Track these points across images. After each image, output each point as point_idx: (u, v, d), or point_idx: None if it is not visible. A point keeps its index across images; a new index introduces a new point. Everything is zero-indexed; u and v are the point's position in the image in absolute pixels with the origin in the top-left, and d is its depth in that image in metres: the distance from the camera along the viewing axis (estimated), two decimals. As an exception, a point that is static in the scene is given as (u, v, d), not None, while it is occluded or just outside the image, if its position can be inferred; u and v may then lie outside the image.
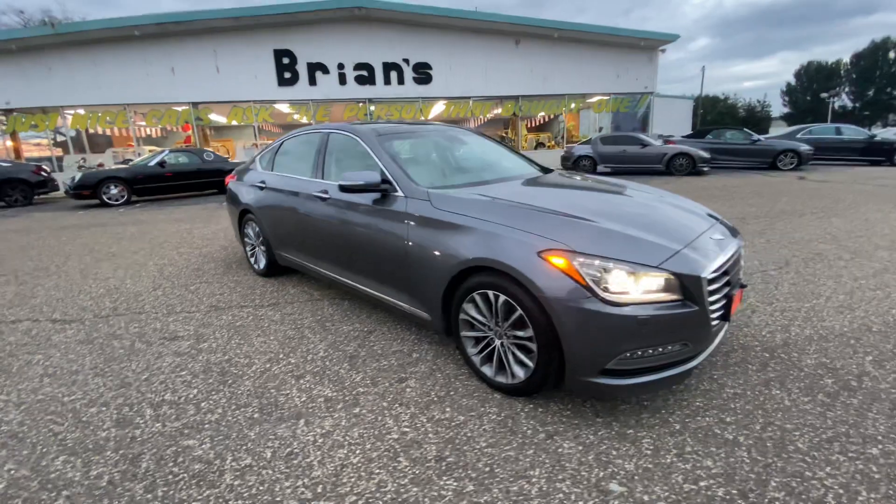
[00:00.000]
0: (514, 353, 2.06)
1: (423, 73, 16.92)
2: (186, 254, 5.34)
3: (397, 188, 2.59)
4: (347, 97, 16.65)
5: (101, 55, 14.80)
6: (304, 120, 16.96)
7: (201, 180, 11.80)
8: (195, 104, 15.98)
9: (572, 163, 13.99)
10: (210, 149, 15.14)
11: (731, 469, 1.63)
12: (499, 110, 18.89)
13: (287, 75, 16.05)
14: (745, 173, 12.84)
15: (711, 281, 1.86)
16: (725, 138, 14.17)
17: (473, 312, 2.17)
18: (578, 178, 3.22)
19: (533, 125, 23.72)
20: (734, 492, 1.52)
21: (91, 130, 16.71)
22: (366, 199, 2.73)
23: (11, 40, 13.90)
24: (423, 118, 17.57)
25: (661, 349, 1.80)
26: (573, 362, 1.84)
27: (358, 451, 1.79)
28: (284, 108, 16.98)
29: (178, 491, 1.63)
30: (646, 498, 1.51)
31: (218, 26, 15.10)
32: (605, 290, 1.74)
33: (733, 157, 13.95)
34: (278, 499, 1.57)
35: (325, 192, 3.10)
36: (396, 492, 1.58)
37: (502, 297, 1.99)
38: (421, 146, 3.24)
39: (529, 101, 18.24)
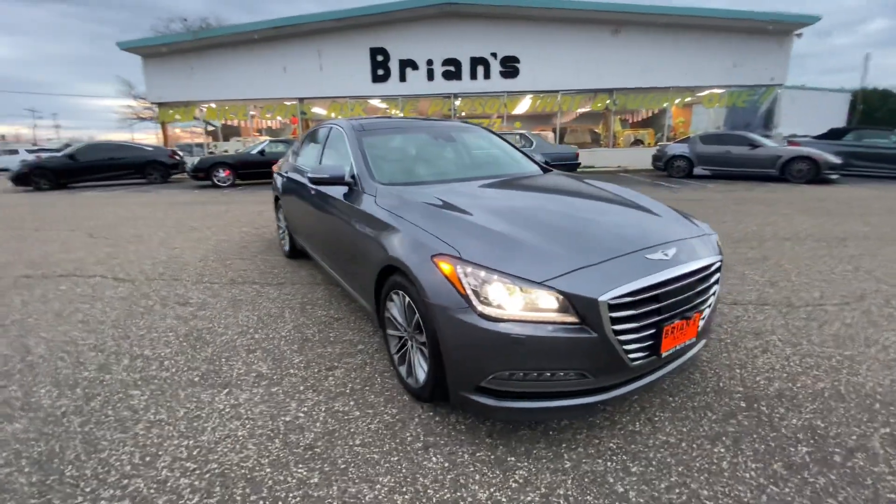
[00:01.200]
0: (418, 357, 2.01)
1: (510, 67, 16.62)
2: (245, 233, 6.05)
3: (358, 183, 2.66)
4: (434, 92, 17.08)
5: (229, 57, 17.20)
6: (397, 114, 17.81)
7: (294, 168, 13.13)
8: (301, 100, 17.77)
9: (664, 163, 12.66)
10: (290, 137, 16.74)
11: (593, 524, 1.41)
12: (589, 106, 17.77)
13: (380, 72, 16.99)
14: (890, 183, 10.38)
15: (618, 307, 1.61)
16: (867, 141, 11.57)
17: (395, 311, 2.15)
18: (566, 180, 2.96)
19: (636, 120, 21.90)
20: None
21: (222, 122, 19.56)
22: (338, 192, 2.84)
23: (163, 45, 16.91)
24: (506, 112, 17.31)
25: (548, 374, 1.62)
26: (452, 375, 1.75)
27: (248, 426, 1.92)
28: (377, 103, 18.02)
29: (100, 429, 1.92)
30: (474, 531, 1.39)
31: (322, 28, 16.54)
32: (484, 302, 1.62)
33: (876, 163, 11.35)
34: (160, 453, 1.77)
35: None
36: (251, 469, 1.67)
37: (407, 299, 1.96)
38: (407, 142, 3.26)
39: (625, 94, 16.85)
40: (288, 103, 17.97)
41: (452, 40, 16.49)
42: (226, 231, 6.17)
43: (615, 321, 1.60)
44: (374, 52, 16.81)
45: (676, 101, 16.97)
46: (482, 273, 1.63)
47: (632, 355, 1.67)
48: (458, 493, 1.54)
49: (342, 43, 16.79)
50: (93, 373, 2.41)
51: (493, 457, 1.72)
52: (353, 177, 2.72)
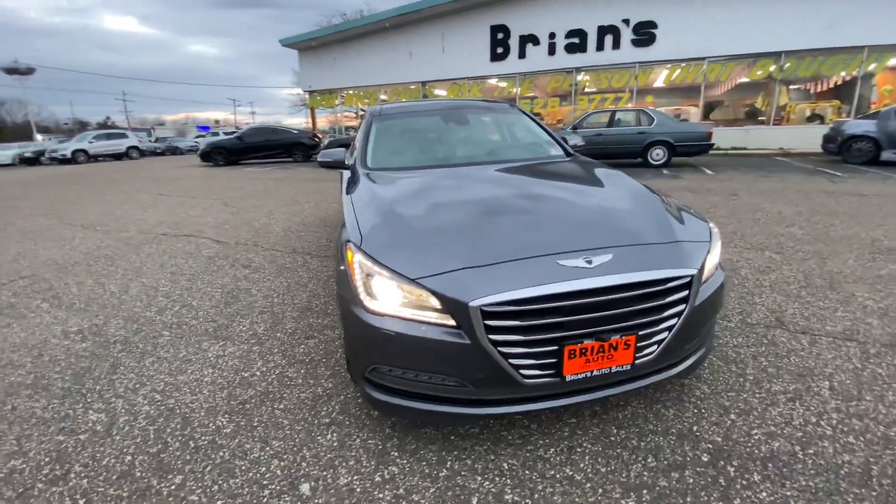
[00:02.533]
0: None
1: (644, 34, 14.67)
2: (335, 209, 6.76)
3: (356, 167, 2.77)
4: (555, 68, 16.12)
5: (364, 46, 18.80)
6: (515, 91, 17.38)
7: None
8: (424, 83, 18.59)
9: (839, 145, 9.89)
10: None
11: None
12: (746, 75, 14.68)
13: (499, 50, 16.68)
14: None
15: (496, 315, 1.42)
16: None
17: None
18: (565, 167, 2.62)
19: (821, 89, 17.49)
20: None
21: (360, 105, 21.67)
22: (345, 176, 3.00)
23: (312, 39, 19.26)
24: (636, 86, 15.42)
25: (425, 376, 1.55)
26: (348, 359, 1.79)
27: (214, 375, 2.26)
28: (494, 82, 17.82)
29: (126, 357, 2.47)
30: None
31: (445, 10, 16.84)
32: (369, 294, 1.60)
33: None
34: (147, 383, 2.21)
35: None
36: (191, 410, 1.99)
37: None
38: (418, 126, 3.23)
39: (799, 57, 13.46)
40: (413, 86, 18.98)
41: (578, 10, 15.22)
42: (320, 206, 6.97)
43: (493, 330, 1.43)
44: (495, 29, 16.52)
45: (872, 64, 12.89)
46: (368, 264, 1.61)
47: (524, 371, 1.48)
48: (325, 472, 1.60)
49: (464, 23, 16.88)
50: (151, 314, 3.07)
51: (379, 447, 1.72)
52: (354, 161, 2.85)
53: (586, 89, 16.23)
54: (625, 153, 10.33)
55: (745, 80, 15.13)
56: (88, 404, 2.06)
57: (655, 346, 1.58)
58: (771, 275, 3.32)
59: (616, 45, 15.11)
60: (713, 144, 10.11)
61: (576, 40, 15.52)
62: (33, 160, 23.55)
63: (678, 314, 1.59)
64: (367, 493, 1.51)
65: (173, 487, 1.57)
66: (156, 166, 17.39)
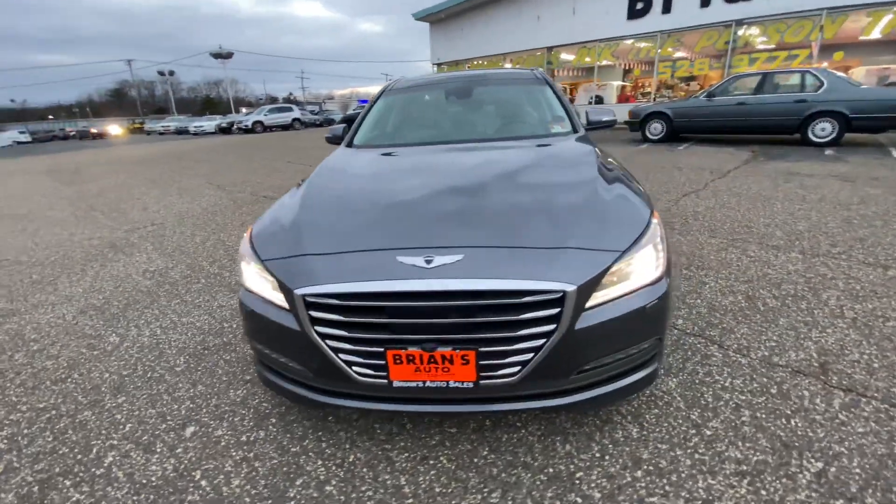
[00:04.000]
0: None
1: (844, -32, 11.13)
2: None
3: (343, 143, 2.84)
4: (709, 22, 13.42)
5: (491, 14, 18.29)
6: (654, 55, 15.12)
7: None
8: (550, 48, 17.41)
9: None
10: None
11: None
12: None
13: (639, 6, 14.54)
14: None
15: (319, 306, 1.37)
16: None
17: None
18: (547, 151, 2.24)
19: None
20: None
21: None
22: None
23: (441, 10, 19.43)
24: (819, 40, 11.93)
25: (274, 356, 1.59)
26: None
27: (205, 321, 2.66)
28: (630, 44, 15.71)
29: (147, 298, 3.06)
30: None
31: (579, -36, 15.25)
32: (245, 272, 1.68)
33: None
34: (151, 321, 2.72)
35: None
36: (171, 343, 2.39)
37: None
38: (422, 100, 3.08)
39: None
40: (538, 53, 17.95)
41: (748, -55, 12.25)
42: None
43: (317, 321, 1.39)
44: (637, -19, 14.41)
45: None
46: (245, 241, 1.69)
47: (355, 368, 1.41)
48: (212, 422, 1.80)
49: (599, -22, 15.11)
50: (206, 264, 3.70)
51: (266, 412, 1.84)
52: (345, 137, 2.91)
53: (748, 46, 13.19)
54: (775, 128, 8.26)
55: None
56: (115, 328, 2.65)
57: (518, 367, 1.34)
58: None
59: (798, -14, 11.82)
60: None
61: (741, -15, 12.60)
62: (227, 129, 29.41)
63: (546, 335, 1.31)
64: (225, 449, 1.66)
65: (114, 405, 1.95)
66: (307, 136, 20.13)
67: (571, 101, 18.53)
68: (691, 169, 6.56)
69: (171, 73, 64.17)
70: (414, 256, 1.36)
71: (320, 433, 1.71)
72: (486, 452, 1.56)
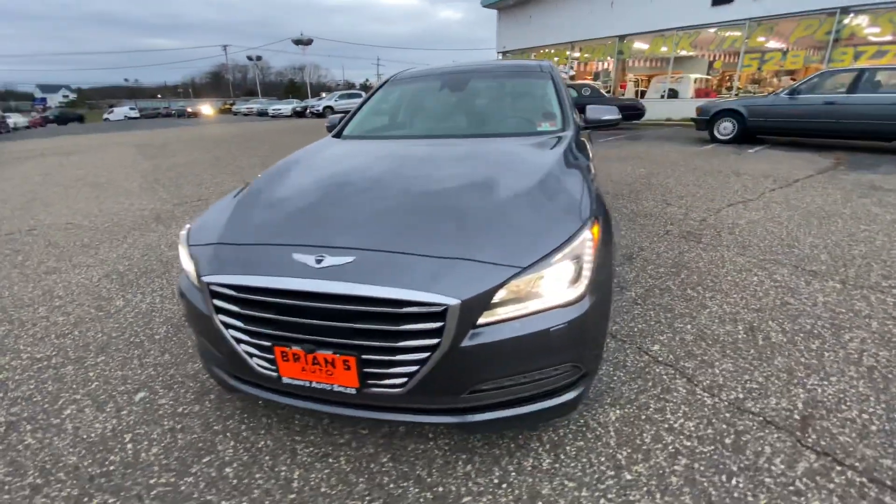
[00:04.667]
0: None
1: None
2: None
3: (333, 132, 2.86)
4: (808, 9, 11.79)
5: (560, 0, 17.46)
6: (739, 46, 13.63)
7: (575, 114, 12.81)
8: (622, 37, 16.30)
9: None
10: (593, 83, 15.53)
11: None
12: None
13: (727, -10, 13.13)
14: None
15: (220, 296, 1.40)
16: None
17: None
18: (532, 147, 2.07)
19: None
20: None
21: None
22: None
23: (509, -3, 18.91)
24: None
25: (200, 338, 1.66)
26: None
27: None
28: (713, 32, 14.25)
29: (162, 267, 3.33)
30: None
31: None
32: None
33: None
34: (157, 289, 2.96)
35: None
36: (161, 313, 2.60)
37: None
38: (417, 92, 3.00)
39: None
40: (609, 42, 16.90)
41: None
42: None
43: (219, 310, 1.43)
44: (727, -38, 12.99)
45: None
46: (187, 224, 1.77)
47: (255, 360, 1.44)
48: (162, 391, 1.93)
49: (683, -41, 13.80)
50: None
51: (208, 387, 1.94)
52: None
53: (854, 38, 11.40)
54: (868, 132, 7.12)
55: None
56: (125, 293, 2.92)
57: (405, 379, 1.29)
58: (903, 352, 2.00)
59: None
60: None
61: (854, -36, 10.89)
62: (301, 113, 31.12)
63: (429, 348, 1.24)
64: (161, 417, 1.77)
65: (92, 364, 2.16)
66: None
67: (643, 94, 17.38)
68: (752, 176, 5.85)
69: (259, 58, 68.94)
70: (308, 255, 1.34)
71: (246, 415, 1.77)
72: (385, 460, 1.53)
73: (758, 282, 2.75)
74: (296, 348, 1.32)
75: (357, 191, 1.71)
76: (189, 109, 47.21)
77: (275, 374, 1.40)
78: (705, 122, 9.01)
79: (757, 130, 8.40)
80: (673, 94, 15.85)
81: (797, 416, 1.64)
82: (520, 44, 20.00)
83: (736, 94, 14.13)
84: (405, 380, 1.29)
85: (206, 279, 1.42)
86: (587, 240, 1.40)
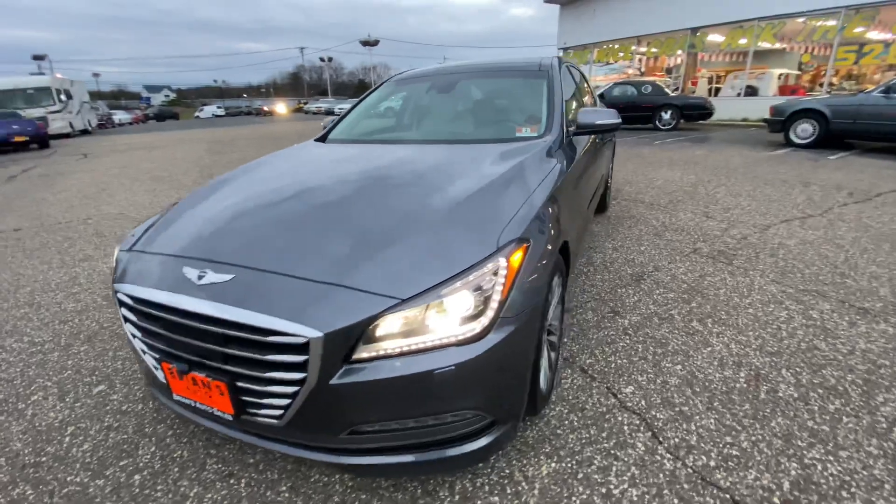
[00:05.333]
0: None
1: None
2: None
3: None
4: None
5: (628, -9, 16.41)
6: (832, 37, 11.95)
7: (633, 113, 11.99)
8: (693, 30, 14.97)
9: None
10: (662, 79, 14.32)
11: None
12: None
13: (822, -28, 11.56)
14: None
15: (125, 305, 1.39)
16: None
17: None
18: (496, 156, 1.86)
19: None
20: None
21: (612, 61, 19.55)
22: None
23: (571, -8, 18.07)
24: None
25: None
26: None
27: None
28: (802, 22, 12.61)
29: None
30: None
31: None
32: None
33: None
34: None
35: None
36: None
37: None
38: (412, 94, 2.86)
39: None
40: (678, 35, 15.60)
41: None
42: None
43: (126, 319, 1.42)
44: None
45: None
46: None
47: (156, 370, 1.41)
48: (89, 388, 2.00)
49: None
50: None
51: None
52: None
53: None
54: None
55: None
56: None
57: (281, 411, 1.19)
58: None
59: None
60: None
61: None
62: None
63: (298, 382, 1.13)
64: (105, 413, 1.83)
65: (75, 352, 2.30)
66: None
67: (716, 91, 15.87)
68: (822, 187, 5.05)
69: (330, 59, 72.48)
70: (194, 268, 1.29)
71: (178, 421, 1.78)
72: (284, 488, 1.44)
73: (786, 318, 2.32)
74: (174, 365, 1.27)
75: (271, 203, 1.62)
76: (265, 108, 50.80)
77: (167, 388, 1.37)
78: (780, 123, 7.98)
79: (843, 134, 7.29)
80: (752, 91, 14.29)
81: (776, 500, 1.32)
82: (581, 39, 19.11)
83: (828, 92, 12.43)
84: (281, 412, 1.19)
85: (115, 286, 1.42)
86: (500, 269, 1.21)
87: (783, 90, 14.34)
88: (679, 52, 15.86)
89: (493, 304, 1.18)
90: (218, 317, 1.15)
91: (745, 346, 2.09)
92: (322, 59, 72.15)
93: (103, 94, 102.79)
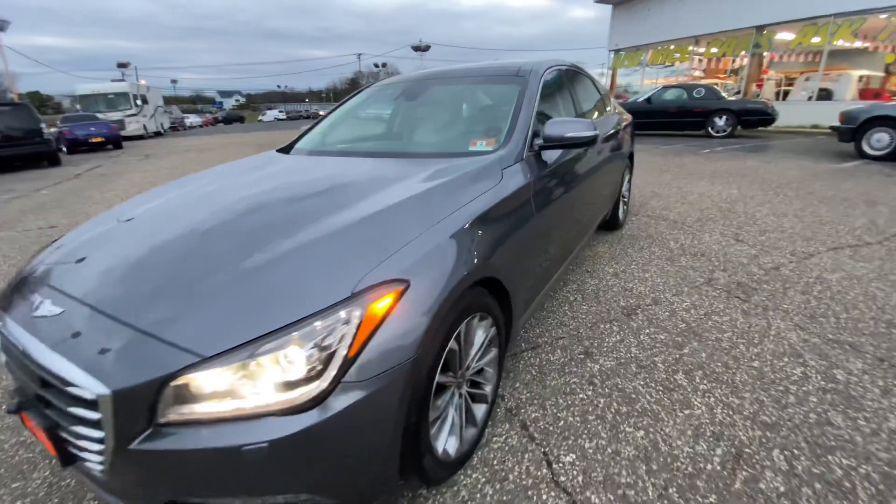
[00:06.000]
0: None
1: None
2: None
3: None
4: None
5: (686, -12, 15.32)
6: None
7: (684, 119, 11.12)
8: (759, 28, 13.68)
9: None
10: (723, 82, 13.18)
11: None
12: None
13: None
14: None
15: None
16: None
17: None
18: (425, 177, 1.62)
19: None
20: None
21: (668, 63, 18.37)
22: None
23: (625, -9, 17.16)
24: None
25: None
26: None
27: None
28: (885, 18, 11.10)
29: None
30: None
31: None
32: None
33: None
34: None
35: None
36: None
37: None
38: (386, 101, 2.68)
39: None
40: (742, 34, 14.31)
41: None
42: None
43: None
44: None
45: None
46: None
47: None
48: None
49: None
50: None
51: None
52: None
53: None
54: None
55: None
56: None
57: (101, 466, 1.05)
58: None
59: None
60: None
61: None
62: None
63: (99, 440, 0.98)
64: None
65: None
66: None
67: (785, 95, 14.41)
68: (892, 208, 4.29)
69: (384, 64, 74.39)
70: (38, 295, 1.18)
71: (83, 444, 1.71)
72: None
73: (800, 377, 1.89)
74: (31, 418, 1.16)
75: (150, 231, 1.48)
76: (320, 112, 53.13)
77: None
78: (851, 131, 6.99)
79: (931, 145, 6.24)
80: (826, 95, 12.79)
81: None
82: (633, 41, 18.12)
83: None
84: (101, 466, 1.05)
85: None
86: (354, 318, 1.00)
87: (864, 94, 12.75)
88: (742, 52, 14.56)
89: (336, 364, 0.97)
90: (29, 353, 1.03)
91: (735, 412, 1.71)
92: (376, 65, 74.22)
93: (182, 99, 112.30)
